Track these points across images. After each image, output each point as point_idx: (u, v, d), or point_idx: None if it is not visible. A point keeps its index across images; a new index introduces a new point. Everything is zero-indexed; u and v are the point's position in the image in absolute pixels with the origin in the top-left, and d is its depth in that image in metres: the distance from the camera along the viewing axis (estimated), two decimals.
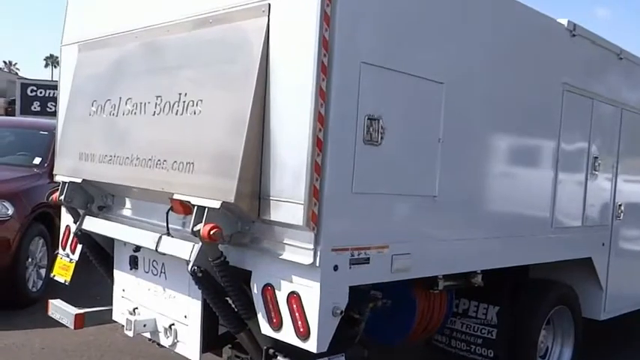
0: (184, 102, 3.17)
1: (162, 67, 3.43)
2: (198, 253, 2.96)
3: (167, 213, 3.28)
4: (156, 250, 3.32)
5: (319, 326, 2.66)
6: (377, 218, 2.92)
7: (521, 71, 3.76)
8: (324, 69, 2.60)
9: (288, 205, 2.69)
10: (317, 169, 2.59)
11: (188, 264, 3.03)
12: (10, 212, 5.79)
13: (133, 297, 3.87)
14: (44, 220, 6.20)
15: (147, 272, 3.75)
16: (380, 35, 2.86)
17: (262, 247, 2.88)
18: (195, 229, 2.88)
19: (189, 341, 3.41)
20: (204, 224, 2.82)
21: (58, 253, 4.52)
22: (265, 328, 2.89)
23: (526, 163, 3.88)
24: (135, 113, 3.54)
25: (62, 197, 3.94)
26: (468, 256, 3.45)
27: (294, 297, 2.74)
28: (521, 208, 3.82)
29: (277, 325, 2.83)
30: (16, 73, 63.04)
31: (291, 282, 2.75)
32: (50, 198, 4.15)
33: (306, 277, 2.68)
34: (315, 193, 2.60)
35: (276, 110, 2.77)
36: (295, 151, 2.66)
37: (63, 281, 4.42)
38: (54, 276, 4.51)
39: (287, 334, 2.79)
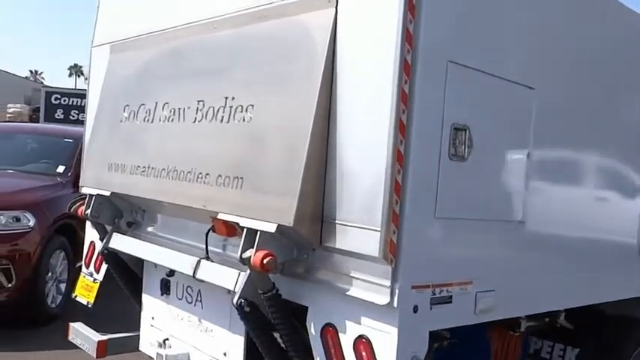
0: (232, 107, 2.74)
1: (205, 68, 3.02)
2: (245, 284, 2.52)
3: (207, 234, 2.86)
4: (193, 276, 2.88)
5: None
6: (459, 248, 2.45)
7: (623, 82, 3.27)
8: (407, 68, 2.15)
9: (358, 231, 2.24)
10: (397, 189, 2.13)
11: (232, 294, 2.59)
12: (31, 224, 5.42)
13: (164, 326, 3.44)
14: (66, 231, 5.81)
15: (180, 299, 3.32)
16: (468, 30, 2.40)
17: (323, 279, 2.43)
18: (245, 255, 2.43)
19: None
20: (256, 250, 2.38)
21: (81, 271, 4.12)
22: None
23: (621, 184, 3.37)
24: (172, 120, 3.13)
25: (88, 211, 3.54)
26: (556, 293, 2.95)
27: (362, 342, 2.27)
28: (611, 236, 3.31)
29: None
30: (42, 82, 63.68)
31: (360, 324, 2.29)
32: (74, 210, 3.75)
33: (380, 320, 2.21)
34: (394, 219, 2.14)
35: (344, 118, 2.33)
36: (370, 167, 2.21)
37: (86, 303, 4.01)
38: (76, 297, 4.11)
39: None
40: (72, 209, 3.92)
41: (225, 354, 2.99)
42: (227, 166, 2.69)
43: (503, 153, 2.65)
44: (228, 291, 2.71)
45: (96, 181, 3.63)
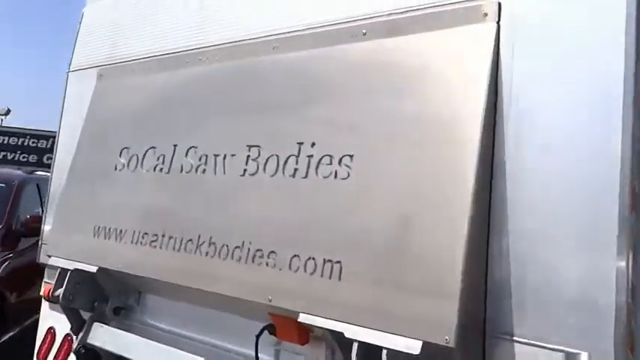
0: (310, 157, 1.92)
1: (261, 101, 2.18)
2: None
3: (258, 336, 1.96)
4: None
5: None
6: None
7: None
8: None
9: (557, 356, 1.44)
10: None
11: None
12: None
13: None
14: None
15: None
16: None
17: None
18: None
19: None
20: None
21: None
22: None
23: None
24: (204, 170, 2.25)
25: (60, 292, 2.54)
26: None
27: None
28: None
29: None
30: None
31: None
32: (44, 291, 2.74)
33: None
34: (629, 342, 1.36)
35: (522, 177, 1.56)
36: (582, 257, 1.43)
37: None
38: None
39: None
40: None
41: None
42: (309, 242, 1.83)
43: None
44: None
45: (72, 250, 2.64)
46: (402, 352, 1.51)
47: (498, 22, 1.66)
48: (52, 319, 2.94)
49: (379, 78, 1.85)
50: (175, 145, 2.40)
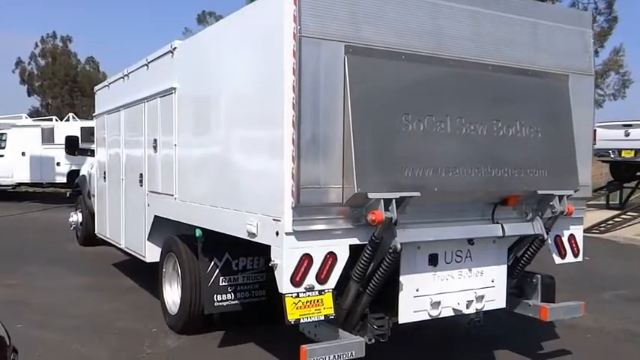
0: (524, 126, 4.54)
1: (489, 96, 4.43)
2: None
3: (495, 206, 4.56)
4: (503, 236, 4.49)
5: None
6: None
7: None
8: None
9: None
10: None
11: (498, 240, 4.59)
12: None
13: (431, 290, 4.36)
14: None
15: (449, 263, 4.45)
16: None
17: None
18: (561, 208, 4.61)
19: (497, 296, 4.68)
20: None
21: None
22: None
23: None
24: (472, 131, 4.31)
25: (393, 215, 3.84)
26: None
27: None
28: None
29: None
30: None
31: None
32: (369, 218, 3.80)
33: None
34: None
35: None
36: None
37: (323, 318, 3.90)
38: (293, 321, 3.81)
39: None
40: (368, 217, 3.72)
41: (492, 280, 4.66)
42: (529, 160, 4.53)
43: None
44: (494, 240, 4.63)
45: (389, 185, 3.88)
46: (569, 194, 4.75)
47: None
48: (302, 249, 3.85)
49: (532, 99, 4.72)
50: (447, 115, 4.20)
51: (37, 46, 44.37)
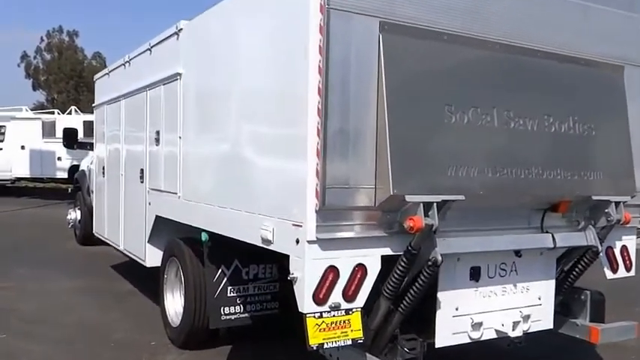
0: (577, 123, 3.96)
1: (541, 86, 3.85)
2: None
3: (544, 213, 3.97)
4: (554, 247, 3.91)
5: None
6: None
7: None
8: None
9: None
10: None
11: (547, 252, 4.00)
12: None
13: (473, 309, 3.78)
14: None
15: (492, 277, 3.87)
16: None
17: None
18: (617, 217, 4.03)
19: (544, 316, 4.10)
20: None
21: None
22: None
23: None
24: (521, 126, 3.73)
25: (434, 222, 3.25)
26: None
27: None
28: None
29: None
30: None
31: None
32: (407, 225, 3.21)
33: None
34: None
35: None
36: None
37: (350, 342, 3.33)
38: (317, 347, 3.23)
39: None
40: (404, 223, 3.14)
41: (539, 298, 4.08)
42: (582, 161, 3.95)
43: None
44: (541, 252, 4.04)
45: (429, 186, 3.31)
46: (624, 200, 4.16)
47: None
48: (327, 260, 3.27)
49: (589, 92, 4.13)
50: (494, 107, 3.62)
51: (42, 40, 44.04)
